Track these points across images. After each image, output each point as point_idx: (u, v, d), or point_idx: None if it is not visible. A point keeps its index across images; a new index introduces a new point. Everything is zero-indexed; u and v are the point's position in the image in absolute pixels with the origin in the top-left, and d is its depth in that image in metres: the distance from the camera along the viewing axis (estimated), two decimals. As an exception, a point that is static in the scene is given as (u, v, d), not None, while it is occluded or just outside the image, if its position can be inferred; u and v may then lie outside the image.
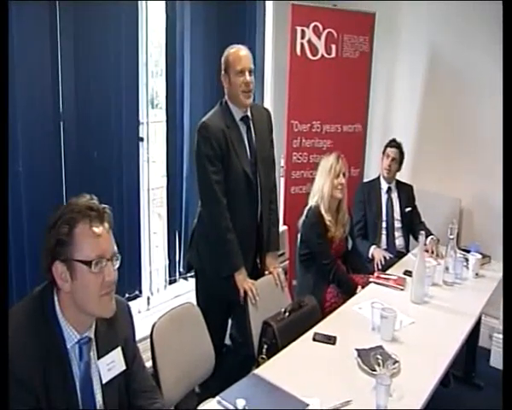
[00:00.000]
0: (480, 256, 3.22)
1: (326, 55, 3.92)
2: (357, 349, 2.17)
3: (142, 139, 3.19)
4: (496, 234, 3.65)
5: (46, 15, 2.54)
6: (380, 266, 3.37)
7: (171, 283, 3.53)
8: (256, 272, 2.75)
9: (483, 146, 3.86)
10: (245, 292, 2.56)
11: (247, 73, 2.57)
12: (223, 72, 2.62)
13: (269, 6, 4.02)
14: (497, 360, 3.65)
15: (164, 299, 3.46)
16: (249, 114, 2.68)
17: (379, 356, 2.04)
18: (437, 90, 4.12)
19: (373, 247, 3.57)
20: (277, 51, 4.07)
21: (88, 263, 1.42)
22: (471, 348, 3.41)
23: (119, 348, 1.59)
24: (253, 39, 3.87)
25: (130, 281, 3.17)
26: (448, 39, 4.00)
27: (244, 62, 2.57)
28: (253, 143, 2.67)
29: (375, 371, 1.97)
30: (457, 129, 4.02)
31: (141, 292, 3.28)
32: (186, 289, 3.51)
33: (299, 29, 3.81)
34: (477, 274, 3.17)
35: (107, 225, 1.48)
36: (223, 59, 2.62)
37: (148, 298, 3.41)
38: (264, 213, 2.74)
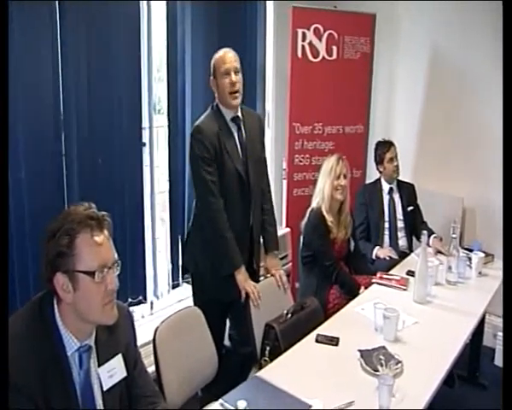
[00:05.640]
0: (482, 255, 3.21)
1: (327, 57, 3.93)
2: (359, 350, 2.18)
3: (144, 144, 3.21)
4: (499, 233, 3.62)
5: (47, 18, 2.56)
6: (384, 265, 3.36)
7: (174, 287, 3.53)
8: (251, 272, 2.75)
9: (485, 145, 3.85)
10: (247, 294, 2.57)
11: (232, 74, 2.59)
12: (211, 76, 2.65)
13: (269, 8, 4.03)
14: (501, 360, 3.64)
15: (167, 303, 3.48)
16: (240, 115, 2.71)
17: (381, 357, 2.05)
18: (439, 90, 4.12)
19: (376, 248, 3.57)
20: (278, 54, 4.08)
21: (90, 273, 1.41)
22: (475, 348, 3.41)
23: (120, 355, 1.59)
24: (254, 42, 3.89)
25: (133, 286, 3.17)
26: (449, 39, 3.99)
27: (228, 63, 2.59)
28: (244, 143, 2.70)
29: (377, 371, 1.97)
30: (460, 128, 4.01)
31: (145, 297, 3.29)
32: (189, 293, 3.52)
33: (299, 31, 3.82)
34: (480, 273, 3.16)
35: (107, 232, 1.47)
36: (211, 63, 2.65)
37: (152, 303, 3.42)
38: (256, 213, 2.77)
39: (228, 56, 2.61)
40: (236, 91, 2.61)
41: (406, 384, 1.97)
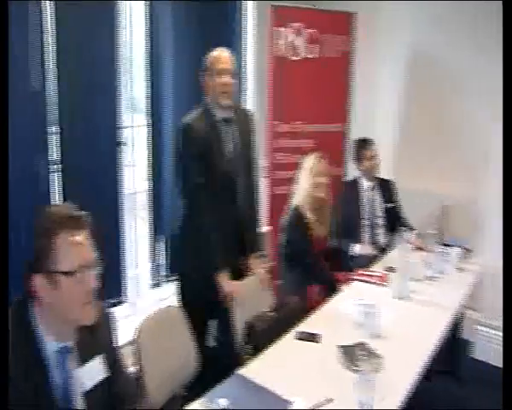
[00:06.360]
0: (461, 251, 3.27)
1: (307, 56, 3.94)
2: (340, 346, 2.20)
3: (123, 143, 3.19)
4: (476, 229, 3.74)
5: (22, 18, 2.52)
6: (365, 262, 3.39)
7: (155, 286, 3.52)
8: (238, 272, 2.77)
9: (466, 143, 3.89)
10: (229, 294, 2.57)
11: (225, 74, 2.59)
12: (204, 74, 2.65)
13: (250, 8, 4.03)
14: (480, 353, 3.74)
15: (148, 303, 3.46)
16: (230, 114, 2.70)
17: (362, 352, 2.08)
18: (419, 89, 4.14)
19: (357, 244, 3.60)
20: (259, 52, 4.08)
21: (70, 274, 1.40)
22: (454, 341, 3.44)
23: (100, 356, 1.58)
24: (235, 40, 3.88)
25: (113, 286, 3.16)
26: (430, 38, 4.01)
27: (223, 63, 2.60)
28: (234, 143, 2.70)
29: (358, 367, 1.99)
30: (440, 126, 4.04)
31: (125, 297, 3.27)
32: (170, 292, 3.52)
33: (279, 30, 3.82)
34: (458, 268, 3.22)
35: (86, 232, 1.46)
36: (205, 61, 2.65)
37: (132, 302, 3.40)
38: (244, 212, 2.77)
39: (223, 56, 2.62)
40: (228, 92, 2.61)
41: (386, 379, 1.99)
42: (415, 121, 4.19)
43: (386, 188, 3.80)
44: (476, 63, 3.72)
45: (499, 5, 3.50)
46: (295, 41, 3.88)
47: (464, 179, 3.92)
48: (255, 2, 4.02)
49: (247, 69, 4.12)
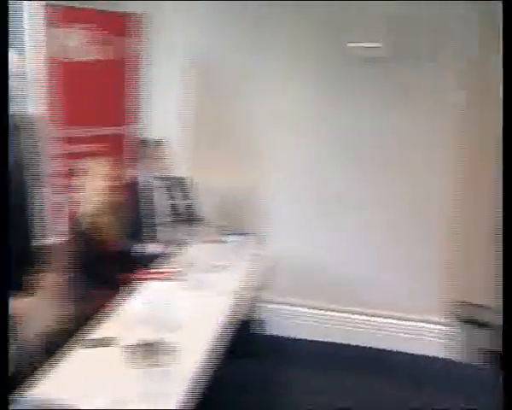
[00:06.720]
0: (248, 239, 3.54)
1: (86, 57, 3.83)
2: (132, 345, 2.21)
3: None
4: (265, 218, 4.14)
5: None
6: (157, 260, 3.45)
7: None
8: (26, 288, 2.64)
9: (247, 140, 4.21)
10: (16, 313, 2.45)
11: None
12: None
13: (26, 7, 3.77)
14: (274, 328, 4.14)
15: None
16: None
17: (156, 348, 2.13)
18: (204, 89, 4.31)
19: (149, 243, 3.62)
20: (36, 54, 3.86)
21: None
22: (245, 321, 3.65)
23: None
24: (15, 41, 3.61)
25: None
26: (212, 39, 4.22)
27: None
28: (16, 151, 2.56)
29: (153, 362, 2.05)
30: (224, 126, 4.29)
31: None
32: None
33: (57, 30, 3.65)
34: (246, 255, 3.49)
35: None
36: None
37: None
38: (24, 226, 2.66)
39: None
40: None
41: (181, 368, 2.08)
42: (200, 121, 4.35)
43: (178, 185, 3.90)
44: (255, 64, 4.04)
45: (283, 6, 3.88)
46: (72, 42, 3.74)
47: (252, 173, 4.24)
48: (34, 2, 3.79)
49: (30, 72, 3.87)
